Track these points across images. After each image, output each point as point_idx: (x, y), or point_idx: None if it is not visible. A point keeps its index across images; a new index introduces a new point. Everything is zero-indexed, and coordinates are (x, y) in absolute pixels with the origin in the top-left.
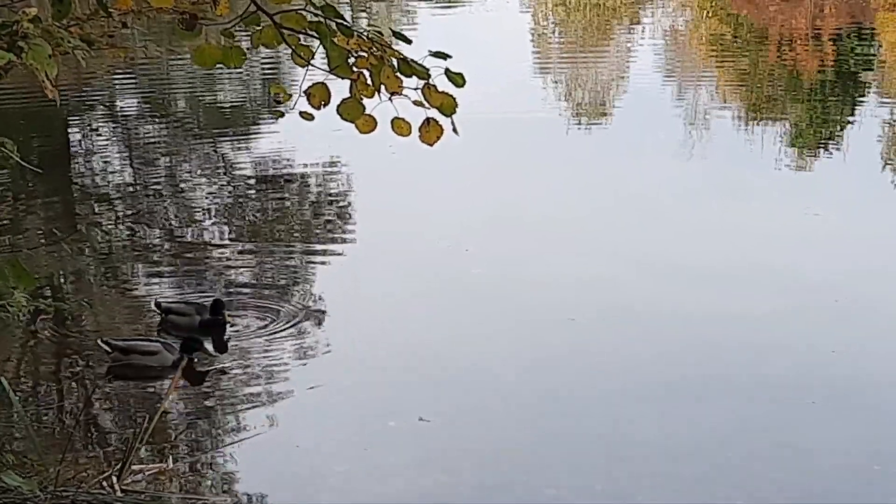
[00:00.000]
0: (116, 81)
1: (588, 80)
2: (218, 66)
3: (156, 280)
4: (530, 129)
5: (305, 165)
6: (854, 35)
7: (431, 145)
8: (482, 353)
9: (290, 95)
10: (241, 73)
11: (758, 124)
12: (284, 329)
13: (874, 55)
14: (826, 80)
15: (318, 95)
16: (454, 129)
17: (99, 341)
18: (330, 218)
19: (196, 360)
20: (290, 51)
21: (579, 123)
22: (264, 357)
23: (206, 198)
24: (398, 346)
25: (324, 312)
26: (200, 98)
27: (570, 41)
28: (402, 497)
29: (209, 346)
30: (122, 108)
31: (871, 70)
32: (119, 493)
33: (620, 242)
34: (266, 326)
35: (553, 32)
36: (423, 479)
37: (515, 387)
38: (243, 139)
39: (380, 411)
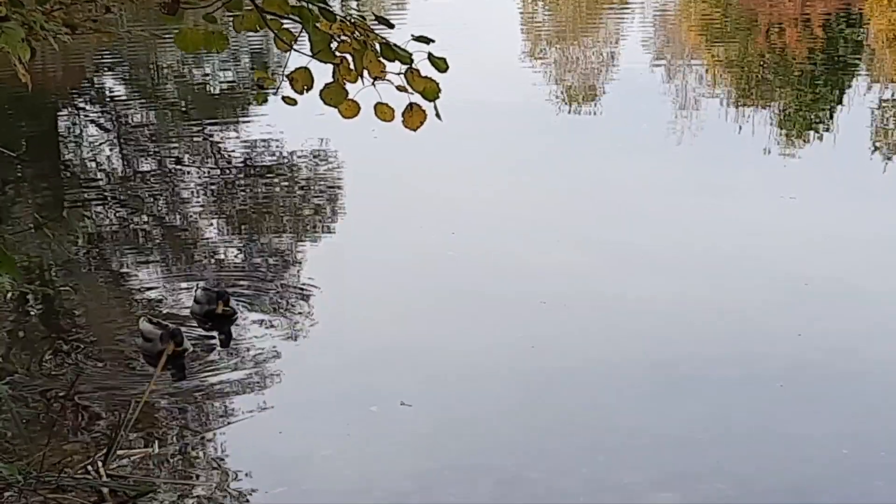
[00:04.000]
0: (105, 66)
1: (577, 64)
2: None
3: (144, 266)
4: (518, 113)
5: (291, 151)
6: (843, 20)
7: (415, 130)
8: (466, 339)
9: (275, 80)
10: (230, 55)
11: (747, 109)
12: (270, 314)
13: (863, 40)
14: (815, 64)
15: (300, 80)
16: (437, 115)
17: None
18: (315, 204)
19: (184, 349)
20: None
21: (568, 108)
22: (250, 343)
23: (195, 183)
24: (381, 331)
25: (308, 298)
26: (189, 82)
27: (560, 25)
28: (384, 481)
29: (195, 337)
30: (111, 92)
31: (860, 55)
32: (105, 479)
33: (606, 228)
34: (253, 312)
35: (542, 16)
36: (405, 464)
37: (499, 372)
38: (232, 123)
39: (362, 396)
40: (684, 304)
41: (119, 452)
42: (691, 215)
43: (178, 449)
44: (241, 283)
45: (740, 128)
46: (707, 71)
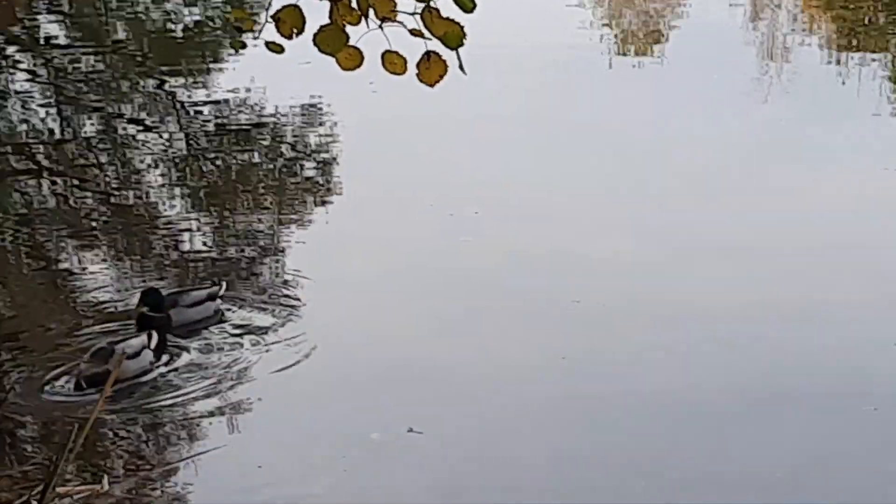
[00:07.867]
0: (42, 2)
1: (637, 1)
2: None
3: (88, 253)
4: (560, 62)
5: (274, 109)
6: None
7: (432, 86)
8: (486, 349)
9: (256, 21)
10: None
11: (852, 58)
12: (247, 316)
13: None
14: None
15: (289, 21)
16: (461, 67)
17: None
18: (303, 176)
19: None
20: None
21: (624, 55)
22: (220, 353)
23: (152, 150)
24: (384, 338)
25: (294, 295)
26: (147, 23)
27: None
28: None
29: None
30: (47, 35)
31: None
32: None
33: (666, 209)
34: (224, 314)
35: None
36: None
37: (527, 391)
38: (200, 75)
39: (360, 420)
40: (761, 307)
41: (59, 490)
42: (776, 194)
43: (132, 486)
44: (211, 276)
45: (843, 82)
46: (801, 9)
